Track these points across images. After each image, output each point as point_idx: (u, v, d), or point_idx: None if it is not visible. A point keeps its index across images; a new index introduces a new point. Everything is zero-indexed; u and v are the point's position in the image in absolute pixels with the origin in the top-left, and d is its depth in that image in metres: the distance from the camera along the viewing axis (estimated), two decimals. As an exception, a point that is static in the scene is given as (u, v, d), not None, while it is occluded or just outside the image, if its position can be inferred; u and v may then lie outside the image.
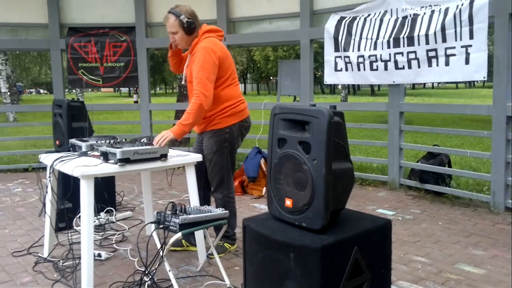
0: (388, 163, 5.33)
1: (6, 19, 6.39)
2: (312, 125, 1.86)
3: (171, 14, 3.04)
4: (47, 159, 2.96)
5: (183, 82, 3.31)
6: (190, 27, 3.02)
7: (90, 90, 42.59)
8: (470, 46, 4.22)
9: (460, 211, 4.32)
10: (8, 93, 16.99)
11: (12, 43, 6.63)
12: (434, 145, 5.50)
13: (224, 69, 3.09)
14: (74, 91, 20.91)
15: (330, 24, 5.36)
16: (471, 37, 4.19)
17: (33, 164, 6.60)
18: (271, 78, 46.55)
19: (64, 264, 3.08)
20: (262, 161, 5.21)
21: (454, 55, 4.35)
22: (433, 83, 55.22)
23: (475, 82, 52.72)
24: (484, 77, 4.24)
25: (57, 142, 4.33)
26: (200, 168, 3.15)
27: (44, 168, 3.07)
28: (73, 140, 3.12)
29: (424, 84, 54.45)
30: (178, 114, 7.49)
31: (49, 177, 2.98)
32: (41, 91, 57.27)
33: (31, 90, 56.06)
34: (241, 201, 4.76)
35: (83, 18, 6.51)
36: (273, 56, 36.19)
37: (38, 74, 33.50)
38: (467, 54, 4.25)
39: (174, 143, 3.07)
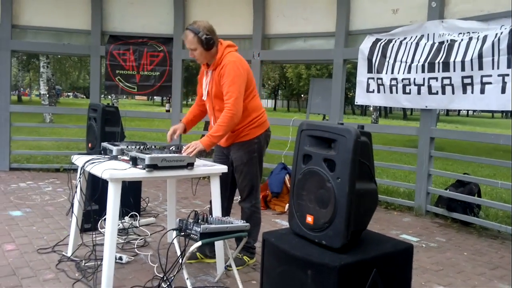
0: (415, 188, 5.23)
1: (51, 23, 6.65)
2: (338, 143, 1.87)
3: (189, 31, 3.04)
4: (78, 160, 3.05)
5: (203, 98, 3.31)
6: (209, 43, 3.03)
7: (125, 97, 43.61)
8: (508, 75, 4.13)
9: (487, 242, 4.20)
10: (47, 95, 17.59)
11: (55, 47, 6.88)
12: (464, 174, 5.37)
13: (249, 82, 3.15)
14: (109, 97, 21.46)
15: (364, 45, 5.36)
16: (509, 66, 4.11)
17: (65, 165, 6.79)
18: (302, 95, 46.56)
19: (86, 264, 3.14)
20: (287, 177, 5.21)
21: (490, 83, 4.27)
22: (468, 111, 54.02)
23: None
24: (520, 108, 4.14)
25: (90, 145, 4.46)
26: (225, 179, 3.19)
27: (75, 170, 3.16)
28: (105, 144, 3.21)
29: (459, 111, 53.40)
30: (207, 125, 7.59)
31: (79, 178, 3.07)
32: (78, 95, 58.97)
33: (69, 93, 57.81)
34: (263, 216, 4.73)
35: (124, 27, 6.72)
36: (305, 74, 36.22)
37: (77, 78, 34.55)
38: (504, 83, 4.17)
39: (202, 154, 3.12)
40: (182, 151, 2.91)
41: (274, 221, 4.67)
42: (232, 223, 2.64)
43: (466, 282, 3.20)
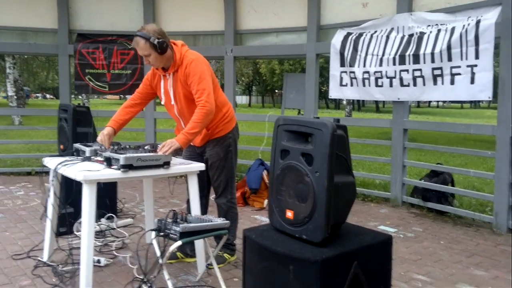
0: (391, 180, 5.31)
1: (16, 23, 6.46)
2: (315, 137, 1.87)
3: (140, 37, 2.94)
4: (50, 162, 2.97)
5: (162, 103, 3.23)
6: (163, 46, 2.95)
7: (96, 96, 42.81)
8: (476, 66, 4.23)
9: (462, 230, 4.30)
10: (15, 97, 17.10)
11: (21, 47, 6.69)
12: (438, 164, 5.49)
13: (213, 78, 3.13)
14: (80, 97, 21.05)
15: (336, 39, 5.40)
16: (477, 57, 4.20)
17: (36, 167, 6.62)
18: (276, 91, 46.71)
19: (63, 268, 3.07)
20: (265, 173, 5.21)
21: (459, 74, 4.37)
22: (438, 102, 55.31)
23: (480, 103, 52.79)
24: (489, 97, 4.24)
25: (61, 147, 4.36)
26: (201, 177, 3.16)
27: (47, 173, 3.08)
28: (77, 145, 3.13)
29: (429, 103, 54.59)
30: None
31: (52, 180, 2.99)
32: (47, 96, 57.62)
33: (37, 94, 56.41)
34: (243, 213, 4.75)
35: (92, 25, 6.58)
36: (279, 69, 36.35)
37: (45, 79, 33.74)
38: (473, 73, 4.26)
39: (178, 152, 3.08)
40: (158, 150, 2.86)
41: (254, 217, 4.66)
42: (211, 221, 2.62)
43: (444, 271, 3.27)
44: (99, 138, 3.05)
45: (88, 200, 2.55)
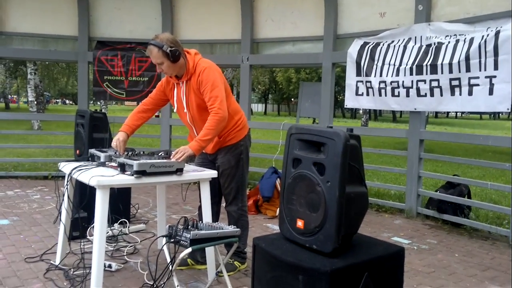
0: (406, 190, 5.24)
1: (37, 30, 6.60)
2: (328, 147, 1.86)
3: (153, 46, 2.98)
4: (65, 167, 3.01)
5: (175, 110, 3.27)
6: (175, 55, 2.98)
7: (114, 103, 43.43)
8: (495, 77, 4.17)
9: (478, 243, 4.21)
10: (35, 102, 17.42)
11: (42, 54, 6.82)
12: (454, 175, 5.40)
13: (225, 85, 3.14)
14: (98, 103, 21.35)
15: (353, 49, 5.38)
16: (496, 68, 4.14)
17: (53, 172, 6.71)
18: (292, 99, 46.70)
19: (74, 272, 3.09)
20: (278, 181, 5.19)
21: (477, 85, 4.30)
22: (456, 113, 54.57)
23: (500, 114, 51.88)
24: (508, 109, 4.16)
25: (77, 152, 4.41)
26: (213, 185, 3.16)
27: (63, 177, 3.12)
28: (92, 150, 3.17)
29: (448, 113, 53.93)
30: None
31: (66, 185, 3.02)
32: (67, 101, 58.59)
33: (57, 100, 57.41)
34: (255, 221, 4.74)
35: (112, 33, 6.68)
36: (295, 78, 36.37)
37: (65, 85, 34.36)
38: (491, 84, 4.20)
39: (191, 159, 3.09)
40: (171, 157, 2.87)
41: (266, 225, 4.64)
42: (222, 229, 2.62)
43: (457, 284, 3.20)
44: (113, 144, 3.09)
45: (101, 205, 2.56)
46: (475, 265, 3.63)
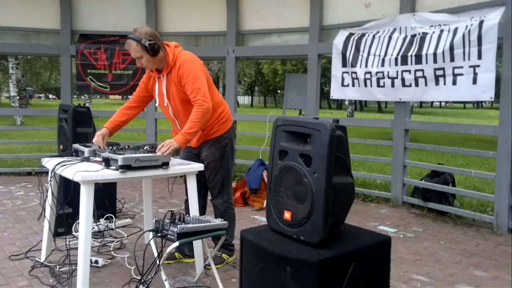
0: (391, 180, 5.29)
1: (18, 23, 6.46)
2: (314, 138, 1.85)
3: (131, 40, 2.92)
4: (49, 163, 2.95)
5: (157, 104, 3.23)
6: (154, 48, 2.93)
7: (98, 97, 42.89)
8: (478, 66, 4.20)
9: (462, 231, 4.27)
10: (17, 97, 17.14)
11: (24, 48, 6.69)
12: (439, 164, 5.46)
13: (207, 77, 3.10)
14: (82, 97, 21.08)
15: (338, 40, 5.38)
16: (480, 57, 4.18)
17: (37, 168, 6.62)
18: (279, 91, 46.69)
19: (60, 269, 3.05)
20: (265, 173, 5.19)
21: (461, 74, 4.34)
22: (440, 103, 55.20)
23: (483, 103, 52.66)
24: (491, 98, 4.21)
25: (61, 147, 4.35)
26: (199, 178, 3.14)
27: (47, 173, 3.07)
28: (76, 145, 3.12)
29: (432, 103, 54.46)
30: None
31: (50, 181, 2.98)
32: (50, 96, 57.76)
33: (40, 95, 56.55)
34: (242, 213, 4.74)
35: (94, 26, 6.57)
36: (281, 70, 36.31)
37: (48, 79, 33.80)
38: (475, 74, 4.24)
39: (177, 152, 3.07)
40: (157, 151, 2.85)
41: (253, 217, 4.65)
42: (209, 222, 2.60)
43: (443, 271, 3.25)
44: (94, 139, 3.05)
45: (86, 201, 2.53)
46: (460, 252, 3.68)
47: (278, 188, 2.00)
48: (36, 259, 3.24)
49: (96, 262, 3.17)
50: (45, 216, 3.13)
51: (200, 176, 3.13)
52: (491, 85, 4.16)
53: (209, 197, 3.39)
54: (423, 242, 3.90)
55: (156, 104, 3.28)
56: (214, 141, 3.21)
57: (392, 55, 4.87)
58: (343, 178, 1.94)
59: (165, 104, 3.14)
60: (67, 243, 3.09)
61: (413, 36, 4.76)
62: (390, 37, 4.97)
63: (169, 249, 2.46)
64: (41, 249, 3.25)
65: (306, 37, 5.77)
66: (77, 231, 3.60)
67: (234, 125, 3.39)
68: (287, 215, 1.94)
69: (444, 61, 4.43)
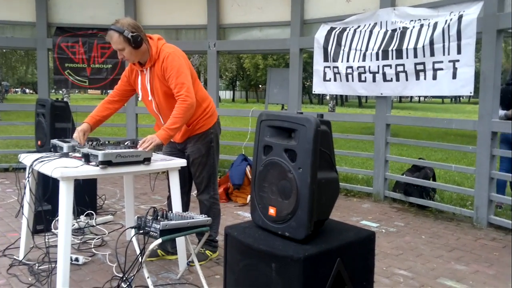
0: (373, 174, 5.33)
1: (-8, 15, 6.29)
2: (299, 133, 1.84)
3: (113, 31, 2.84)
4: (26, 159, 2.88)
5: (140, 98, 3.18)
6: (137, 40, 2.86)
7: (77, 91, 42.16)
8: (458, 61, 4.25)
9: (443, 225, 4.33)
10: (-7, 92, 16.73)
11: (-2, 41, 6.52)
12: (419, 159, 5.52)
13: (191, 71, 3.05)
14: (60, 91, 20.70)
15: (320, 34, 5.37)
16: (459, 52, 4.22)
17: (14, 164, 6.46)
18: (260, 86, 46.64)
19: (39, 267, 2.99)
20: (248, 168, 5.17)
21: (441, 69, 4.38)
22: (419, 98, 55.90)
23: (461, 98, 53.52)
24: (470, 92, 4.26)
25: (39, 143, 4.25)
26: (183, 173, 3.11)
27: (25, 169, 2.99)
28: (54, 141, 3.05)
29: (411, 98, 55.17)
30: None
31: (28, 177, 2.90)
32: (27, 90, 56.55)
33: (16, 89, 55.31)
34: (226, 209, 4.71)
35: (72, 18, 6.43)
36: (262, 64, 36.27)
37: (24, 73, 33.06)
38: (455, 69, 4.28)
39: (159, 148, 3.02)
40: (138, 146, 2.79)
41: (237, 213, 4.63)
42: (193, 218, 2.57)
43: (425, 265, 3.28)
44: (74, 135, 2.97)
45: (65, 198, 2.47)
46: (441, 246, 3.73)
47: (262, 183, 1.97)
48: (15, 257, 3.17)
49: (77, 259, 3.11)
50: (23, 213, 3.06)
51: (183, 172, 3.09)
52: (471, 80, 4.21)
53: (194, 193, 3.35)
54: (405, 237, 3.94)
55: (140, 98, 3.22)
56: (199, 137, 3.17)
57: (373, 50, 4.89)
58: (328, 173, 1.93)
59: (149, 98, 3.09)
60: (46, 240, 3.03)
61: (394, 30, 4.79)
62: (371, 32, 4.98)
63: (151, 246, 2.43)
64: (19, 247, 3.18)
65: (288, 31, 5.76)
66: (56, 228, 3.52)
67: (219, 120, 3.35)
68: (272, 211, 1.92)
69: (424, 56, 4.47)
